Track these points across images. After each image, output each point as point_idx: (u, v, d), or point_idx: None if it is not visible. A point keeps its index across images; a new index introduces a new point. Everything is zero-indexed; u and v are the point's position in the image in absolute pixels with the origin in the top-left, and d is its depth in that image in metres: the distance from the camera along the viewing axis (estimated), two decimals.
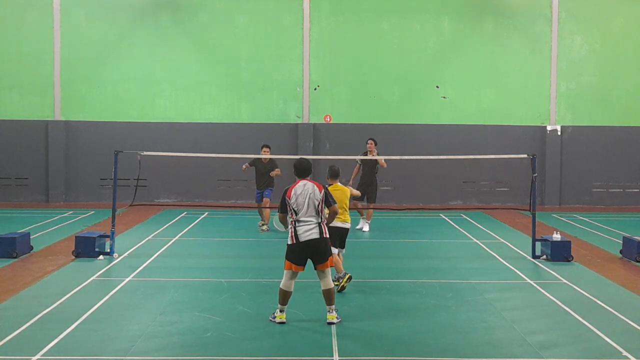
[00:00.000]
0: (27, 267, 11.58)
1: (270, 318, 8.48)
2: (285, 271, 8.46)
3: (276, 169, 15.82)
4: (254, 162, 15.99)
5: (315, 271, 8.53)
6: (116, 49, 21.57)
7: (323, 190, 8.49)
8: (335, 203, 8.72)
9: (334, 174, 10.20)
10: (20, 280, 10.61)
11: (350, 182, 16.33)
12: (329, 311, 8.40)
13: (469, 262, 12.45)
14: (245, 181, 21.10)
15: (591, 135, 21.87)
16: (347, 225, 10.27)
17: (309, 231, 8.30)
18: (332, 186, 10.07)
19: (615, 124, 21.91)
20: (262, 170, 15.88)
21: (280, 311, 8.40)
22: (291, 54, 21.66)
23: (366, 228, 16.12)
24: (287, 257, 8.44)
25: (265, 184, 15.88)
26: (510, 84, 21.88)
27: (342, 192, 10.28)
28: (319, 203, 8.39)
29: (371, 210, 16.32)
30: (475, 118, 21.86)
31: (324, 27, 21.72)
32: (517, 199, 21.27)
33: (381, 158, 15.84)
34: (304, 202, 8.35)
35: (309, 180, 8.55)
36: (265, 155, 15.73)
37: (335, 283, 9.66)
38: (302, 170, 8.62)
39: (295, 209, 8.34)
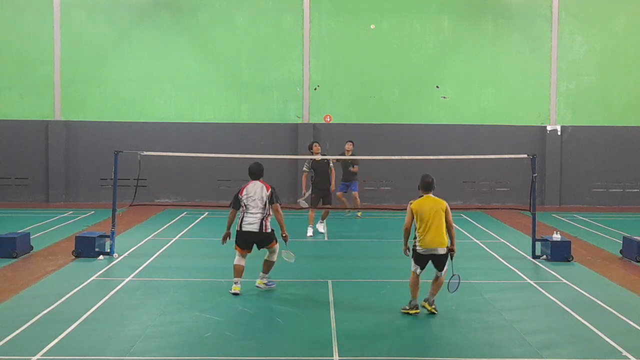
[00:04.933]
0: (27, 267, 11.59)
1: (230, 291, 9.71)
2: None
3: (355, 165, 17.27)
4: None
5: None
6: (116, 49, 21.58)
7: (270, 189, 9.85)
8: (278, 201, 9.84)
9: (426, 185, 8.97)
10: (20, 280, 10.61)
11: (333, 186, 15.91)
12: (260, 277, 9.99)
13: (469, 262, 12.44)
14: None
15: (591, 135, 21.87)
16: (435, 252, 8.82)
17: (250, 224, 9.67)
18: (423, 198, 8.89)
19: (615, 124, 21.91)
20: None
21: (235, 283, 9.70)
22: (291, 54, 21.66)
23: (321, 229, 15.77)
24: (236, 242, 9.88)
25: (346, 178, 17.39)
26: (510, 84, 21.88)
27: (434, 206, 8.82)
28: (266, 200, 9.76)
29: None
30: (475, 118, 21.86)
31: (324, 27, 21.72)
32: (517, 199, 21.26)
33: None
34: (254, 199, 9.75)
35: (260, 181, 9.94)
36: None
37: (426, 306, 8.85)
38: (252, 172, 10.02)
39: (246, 204, 9.74)
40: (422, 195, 8.98)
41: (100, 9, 21.49)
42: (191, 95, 21.69)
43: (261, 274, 9.98)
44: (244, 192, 9.82)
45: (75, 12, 21.46)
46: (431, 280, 9.06)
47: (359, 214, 18.39)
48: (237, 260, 9.82)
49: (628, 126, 21.90)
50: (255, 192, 9.78)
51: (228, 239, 9.97)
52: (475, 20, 21.79)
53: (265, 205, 9.72)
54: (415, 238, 8.92)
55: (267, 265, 9.97)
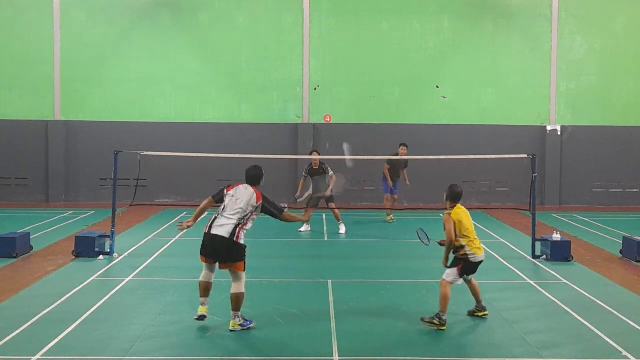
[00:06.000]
0: (27, 267, 11.59)
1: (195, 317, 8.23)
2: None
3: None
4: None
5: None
6: (116, 49, 21.58)
7: (261, 201, 8.35)
8: (283, 211, 8.43)
9: (457, 196, 8.71)
10: (20, 280, 10.61)
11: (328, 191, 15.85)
12: (232, 317, 8.13)
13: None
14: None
15: (591, 135, 21.87)
16: (483, 258, 8.66)
17: (221, 226, 8.14)
18: (457, 207, 8.61)
19: (615, 124, 21.91)
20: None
21: (201, 304, 8.23)
22: (291, 54, 21.67)
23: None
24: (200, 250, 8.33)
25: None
26: (510, 84, 21.89)
27: (467, 214, 8.70)
28: (252, 210, 8.27)
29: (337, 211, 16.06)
30: (475, 118, 21.86)
31: (324, 27, 21.72)
32: (517, 199, 21.26)
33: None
34: (236, 203, 8.28)
35: (253, 188, 8.47)
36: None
37: (479, 314, 8.69)
38: (249, 176, 8.62)
39: (226, 205, 8.31)
40: (454, 206, 8.65)
41: (100, 9, 21.49)
42: (191, 95, 21.70)
43: (232, 313, 8.11)
44: (231, 191, 8.43)
45: (75, 12, 21.46)
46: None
47: (390, 217, 17.72)
48: (204, 275, 8.26)
49: (628, 126, 21.90)
50: (243, 196, 8.32)
51: (187, 229, 8.58)
52: (475, 20, 21.80)
53: (246, 215, 8.20)
54: (463, 248, 8.48)
55: (236, 300, 8.09)
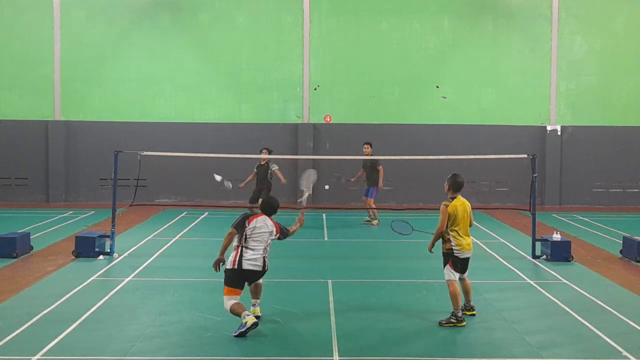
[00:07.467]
0: (27, 267, 11.59)
1: (237, 332, 7.83)
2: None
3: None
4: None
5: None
6: (116, 49, 21.58)
7: (279, 232, 8.64)
8: (289, 233, 8.84)
9: (459, 186, 8.71)
10: (20, 280, 10.61)
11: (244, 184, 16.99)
12: (253, 305, 8.61)
13: (469, 262, 12.42)
14: (243, 180, 21.08)
15: (591, 135, 21.87)
16: (469, 254, 8.73)
17: (251, 261, 8.26)
18: (455, 200, 8.59)
19: (615, 124, 21.91)
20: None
21: (247, 316, 7.90)
22: (291, 54, 21.67)
23: None
24: (227, 283, 8.23)
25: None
26: (510, 84, 21.89)
27: (464, 207, 8.67)
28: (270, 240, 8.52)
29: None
30: (475, 118, 21.86)
31: (324, 27, 21.72)
32: (517, 199, 21.26)
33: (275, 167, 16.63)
34: (261, 235, 8.40)
35: (270, 219, 8.59)
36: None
37: (467, 313, 8.74)
38: (269, 207, 8.72)
39: (249, 236, 8.33)
40: (454, 197, 8.64)
41: (100, 9, 21.49)
42: (191, 95, 21.70)
43: (253, 300, 8.60)
44: (252, 223, 8.38)
45: (75, 12, 21.46)
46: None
47: (374, 222, 17.04)
48: (233, 302, 8.10)
49: (628, 126, 21.90)
50: (265, 229, 8.43)
51: (222, 264, 8.32)
52: (475, 20, 21.80)
53: (268, 245, 8.46)
54: (448, 242, 8.55)
55: (258, 289, 8.66)
